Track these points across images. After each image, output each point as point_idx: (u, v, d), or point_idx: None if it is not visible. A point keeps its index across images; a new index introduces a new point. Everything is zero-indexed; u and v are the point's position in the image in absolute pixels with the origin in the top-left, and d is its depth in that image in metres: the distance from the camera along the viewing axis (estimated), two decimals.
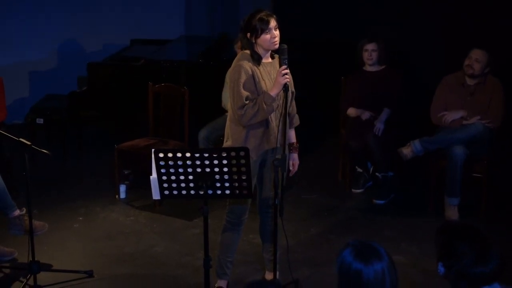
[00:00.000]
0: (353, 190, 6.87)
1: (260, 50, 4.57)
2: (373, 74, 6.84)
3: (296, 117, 4.94)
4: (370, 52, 6.79)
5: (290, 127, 4.84)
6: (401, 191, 6.84)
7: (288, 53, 4.48)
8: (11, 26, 9.11)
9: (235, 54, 6.68)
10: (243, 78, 4.52)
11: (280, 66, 4.47)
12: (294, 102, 4.88)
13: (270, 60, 4.65)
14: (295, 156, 4.89)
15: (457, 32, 7.43)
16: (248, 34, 4.55)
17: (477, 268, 2.94)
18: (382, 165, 6.73)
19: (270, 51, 4.61)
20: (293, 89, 4.76)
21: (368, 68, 6.86)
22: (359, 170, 6.93)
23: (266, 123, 4.58)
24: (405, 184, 7.04)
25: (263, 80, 4.56)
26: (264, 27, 4.48)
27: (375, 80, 6.80)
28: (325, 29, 8.65)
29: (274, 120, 4.60)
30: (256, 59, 4.57)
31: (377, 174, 6.82)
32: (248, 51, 4.61)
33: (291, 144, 4.86)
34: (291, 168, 4.86)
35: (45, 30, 9.28)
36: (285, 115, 4.47)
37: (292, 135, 4.92)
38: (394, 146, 6.54)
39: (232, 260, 4.92)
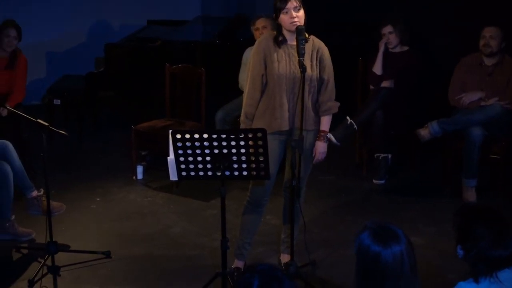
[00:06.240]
0: (374, 181, 6.69)
1: (285, 32, 4.53)
2: (394, 55, 6.79)
3: (330, 104, 4.66)
4: (387, 36, 6.74)
5: (320, 114, 4.68)
6: (418, 173, 6.87)
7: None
8: (28, 7, 9.13)
9: (252, 35, 6.71)
10: (254, 56, 4.58)
11: (298, 46, 4.37)
12: (329, 89, 4.64)
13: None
14: (319, 144, 4.69)
15: (472, 12, 7.34)
16: (274, 15, 4.54)
17: (496, 250, 2.92)
18: (381, 147, 6.67)
19: None
20: (327, 76, 4.62)
21: (390, 49, 6.81)
22: (380, 156, 6.69)
23: (278, 104, 4.52)
24: (422, 165, 7.03)
25: (278, 61, 4.51)
26: (282, 6, 4.44)
27: (394, 61, 6.73)
28: (339, 11, 8.59)
29: (287, 102, 4.53)
30: (280, 40, 4.53)
31: (376, 155, 6.72)
32: (275, 32, 4.59)
33: (319, 131, 4.71)
34: (313, 154, 4.72)
35: (62, 11, 9.31)
36: (302, 98, 4.40)
37: (323, 122, 4.71)
38: (406, 127, 6.52)
39: (250, 242, 4.90)
